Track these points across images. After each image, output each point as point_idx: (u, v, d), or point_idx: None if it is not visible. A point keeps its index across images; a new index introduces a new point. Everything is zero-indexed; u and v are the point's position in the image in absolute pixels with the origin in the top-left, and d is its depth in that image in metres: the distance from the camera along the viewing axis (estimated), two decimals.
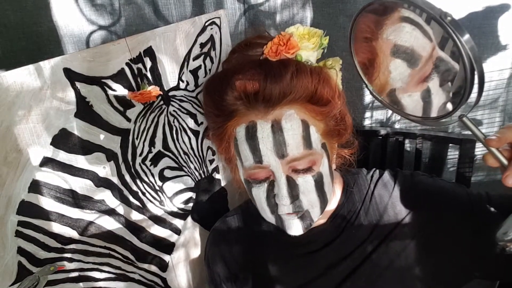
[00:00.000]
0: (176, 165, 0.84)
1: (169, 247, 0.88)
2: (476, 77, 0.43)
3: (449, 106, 0.52)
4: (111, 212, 0.78)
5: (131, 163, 0.79)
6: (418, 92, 0.55)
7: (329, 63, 0.68)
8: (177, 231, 0.88)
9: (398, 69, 0.56)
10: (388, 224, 0.69)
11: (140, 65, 0.75)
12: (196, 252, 0.93)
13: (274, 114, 0.61)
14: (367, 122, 1.04)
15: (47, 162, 0.69)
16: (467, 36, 0.42)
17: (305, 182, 0.63)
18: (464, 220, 0.65)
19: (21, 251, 0.69)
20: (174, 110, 0.82)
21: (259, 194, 0.66)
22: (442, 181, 0.72)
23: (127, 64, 0.73)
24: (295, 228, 0.66)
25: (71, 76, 0.68)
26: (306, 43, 0.64)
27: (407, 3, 0.48)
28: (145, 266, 0.85)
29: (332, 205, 0.72)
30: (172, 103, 0.82)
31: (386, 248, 0.68)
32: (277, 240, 0.76)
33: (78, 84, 0.69)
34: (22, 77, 0.64)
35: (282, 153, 0.61)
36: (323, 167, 0.65)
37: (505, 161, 0.44)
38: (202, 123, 0.86)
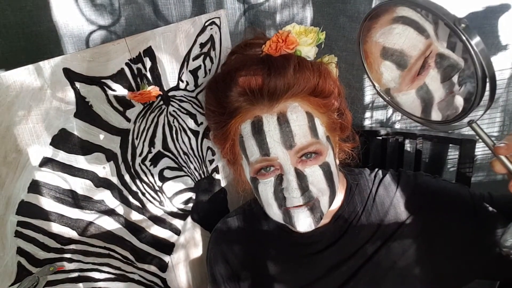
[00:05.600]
0: (176, 165, 0.84)
1: (168, 248, 0.88)
2: (487, 83, 0.43)
3: (453, 107, 0.52)
4: (110, 212, 0.78)
5: (130, 163, 0.79)
6: (413, 90, 0.55)
7: (326, 59, 0.69)
8: (177, 232, 0.88)
9: (389, 70, 0.56)
10: (390, 225, 0.69)
11: (139, 65, 0.75)
12: (196, 252, 0.93)
13: (278, 107, 0.62)
14: (367, 122, 1.04)
15: (46, 162, 0.69)
16: (479, 41, 0.42)
17: (313, 172, 0.62)
18: (467, 220, 0.65)
19: (20, 251, 0.69)
20: (173, 110, 0.82)
21: (266, 189, 0.64)
22: (445, 182, 0.72)
23: (126, 64, 0.73)
24: (305, 222, 0.63)
25: (71, 76, 0.68)
26: (305, 38, 0.65)
27: (421, 7, 0.47)
28: (145, 266, 0.85)
29: (335, 205, 0.72)
30: (171, 103, 0.82)
31: (388, 249, 0.68)
32: (280, 240, 0.76)
33: (77, 84, 0.69)
34: (22, 77, 0.64)
35: (290, 144, 0.61)
36: (329, 158, 0.65)
37: None
38: (202, 123, 0.86)
